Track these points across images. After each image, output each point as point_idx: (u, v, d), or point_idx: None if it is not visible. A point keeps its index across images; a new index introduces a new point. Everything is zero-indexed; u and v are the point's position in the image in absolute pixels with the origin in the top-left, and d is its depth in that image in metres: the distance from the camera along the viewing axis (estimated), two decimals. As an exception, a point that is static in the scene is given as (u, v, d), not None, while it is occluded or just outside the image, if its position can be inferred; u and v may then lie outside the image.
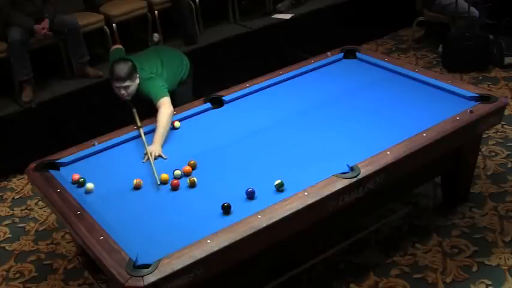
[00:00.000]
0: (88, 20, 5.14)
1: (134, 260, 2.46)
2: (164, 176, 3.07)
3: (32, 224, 4.05)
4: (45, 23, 4.68)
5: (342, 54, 4.21)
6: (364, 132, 3.34)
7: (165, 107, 3.52)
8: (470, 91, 3.54)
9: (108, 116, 4.58)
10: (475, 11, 5.50)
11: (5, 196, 4.42)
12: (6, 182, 4.59)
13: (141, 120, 3.56)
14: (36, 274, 3.58)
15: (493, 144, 4.32)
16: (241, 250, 2.58)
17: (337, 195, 2.80)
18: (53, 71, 5.10)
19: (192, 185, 3.02)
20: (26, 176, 4.00)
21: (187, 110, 3.74)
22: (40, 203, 4.25)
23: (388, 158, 2.98)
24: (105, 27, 5.19)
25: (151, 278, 2.36)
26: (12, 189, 4.50)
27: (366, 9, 6.11)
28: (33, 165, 3.25)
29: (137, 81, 3.61)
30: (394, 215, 3.63)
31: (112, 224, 2.75)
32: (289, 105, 3.71)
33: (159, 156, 3.30)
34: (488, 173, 4.01)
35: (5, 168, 4.62)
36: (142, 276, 2.36)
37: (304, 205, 2.70)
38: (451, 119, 3.25)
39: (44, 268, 3.62)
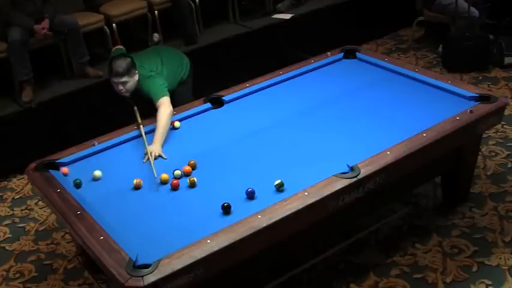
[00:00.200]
0: (88, 20, 5.14)
1: (134, 260, 2.46)
2: (164, 176, 3.07)
3: (32, 224, 4.06)
4: (45, 23, 4.68)
5: (342, 54, 4.21)
6: (364, 132, 3.33)
7: (165, 106, 3.52)
8: (470, 91, 3.54)
9: (108, 116, 4.58)
10: (475, 11, 5.50)
11: (5, 196, 4.42)
12: (6, 182, 4.59)
13: (141, 119, 3.56)
14: (36, 274, 3.58)
15: (493, 144, 4.32)
16: (241, 250, 2.57)
17: (337, 195, 2.80)
18: (53, 71, 5.10)
19: (192, 185, 3.02)
20: (26, 176, 4.00)
21: (187, 110, 3.74)
22: (40, 203, 4.25)
23: (388, 158, 2.98)
24: (105, 27, 5.20)
25: (151, 278, 2.36)
26: (12, 189, 4.50)
27: (366, 9, 6.11)
28: (33, 165, 3.25)
29: (136, 77, 3.62)
30: (394, 215, 3.63)
31: (112, 224, 2.75)
32: (289, 105, 3.71)
33: (159, 156, 3.30)
34: (488, 173, 4.01)
35: (5, 168, 4.62)
36: (142, 276, 2.36)
37: (304, 205, 2.70)
38: (451, 119, 3.25)
39: (44, 268, 3.62)
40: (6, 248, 3.85)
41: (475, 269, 3.23)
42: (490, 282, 3.13)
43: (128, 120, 3.64)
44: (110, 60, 3.61)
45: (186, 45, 5.34)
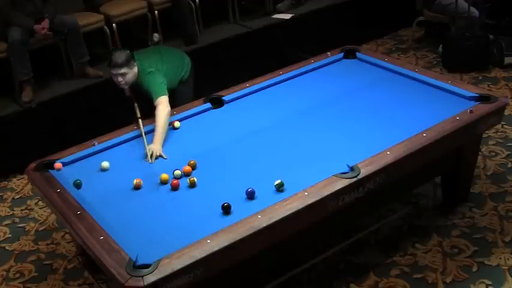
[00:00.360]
0: (88, 20, 5.14)
1: (134, 260, 2.46)
2: (164, 176, 3.07)
3: (32, 224, 4.06)
4: (45, 23, 4.68)
5: (342, 54, 4.21)
6: (364, 132, 3.33)
7: (163, 106, 3.53)
8: (470, 91, 3.54)
9: (108, 116, 4.58)
10: (475, 11, 5.50)
11: (5, 196, 4.42)
12: (6, 182, 4.59)
13: (141, 115, 3.57)
14: (36, 274, 3.58)
15: (493, 144, 4.32)
16: (241, 250, 2.58)
17: (337, 195, 2.80)
18: (53, 71, 5.10)
19: (192, 185, 3.02)
20: (26, 176, 4.00)
21: (187, 110, 3.74)
22: (40, 203, 4.25)
23: (388, 158, 2.98)
24: (105, 27, 5.20)
25: (151, 278, 2.36)
26: (12, 189, 4.50)
27: (366, 9, 6.11)
28: (33, 165, 3.25)
29: (135, 69, 3.64)
30: (394, 215, 3.63)
31: (112, 224, 2.75)
32: (289, 105, 3.71)
33: (160, 156, 3.30)
34: (488, 173, 4.01)
35: (5, 168, 4.61)
36: (142, 276, 2.36)
37: (304, 205, 2.70)
38: (451, 119, 3.25)
39: (44, 268, 3.62)
40: (6, 248, 3.85)
41: (475, 269, 3.23)
42: (490, 282, 3.13)
43: (128, 120, 3.64)
44: (110, 53, 3.66)
45: (186, 45, 5.33)
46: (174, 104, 3.68)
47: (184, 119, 3.66)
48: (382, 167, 2.93)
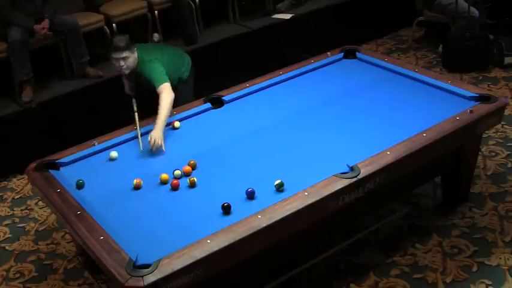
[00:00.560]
0: (88, 20, 5.14)
1: (134, 260, 2.46)
2: (164, 176, 3.07)
3: (32, 224, 4.05)
4: (45, 23, 4.68)
5: (342, 54, 4.21)
6: (364, 132, 3.33)
7: (166, 92, 3.55)
8: (470, 91, 3.54)
9: (108, 116, 4.58)
10: (475, 11, 5.50)
11: (5, 196, 4.42)
12: (6, 182, 4.59)
13: (140, 121, 3.57)
14: (36, 274, 3.58)
15: (493, 144, 4.32)
16: (241, 250, 2.58)
17: (337, 195, 2.80)
18: (53, 71, 5.10)
19: (192, 185, 3.02)
20: (26, 176, 3.99)
21: (187, 110, 3.74)
22: (40, 203, 4.25)
23: (388, 158, 2.98)
24: (105, 27, 5.20)
25: (151, 278, 2.36)
26: (12, 189, 4.50)
27: (366, 9, 6.11)
28: (33, 165, 3.25)
29: (135, 54, 3.66)
30: (394, 215, 3.63)
31: (112, 224, 2.75)
32: (289, 105, 3.71)
33: (160, 146, 3.30)
34: (488, 173, 4.01)
35: (5, 168, 4.61)
36: (142, 276, 2.36)
37: (304, 205, 2.70)
38: (451, 119, 3.25)
39: (44, 268, 3.62)
40: (6, 248, 3.85)
41: (475, 269, 3.23)
42: (490, 282, 3.13)
43: (128, 120, 3.64)
44: (110, 41, 3.73)
45: (186, 45, 5.33)
46: (174, 104, 3.68)
47: (184, 119, 3.66)
48: (382, 167, 2.93)
